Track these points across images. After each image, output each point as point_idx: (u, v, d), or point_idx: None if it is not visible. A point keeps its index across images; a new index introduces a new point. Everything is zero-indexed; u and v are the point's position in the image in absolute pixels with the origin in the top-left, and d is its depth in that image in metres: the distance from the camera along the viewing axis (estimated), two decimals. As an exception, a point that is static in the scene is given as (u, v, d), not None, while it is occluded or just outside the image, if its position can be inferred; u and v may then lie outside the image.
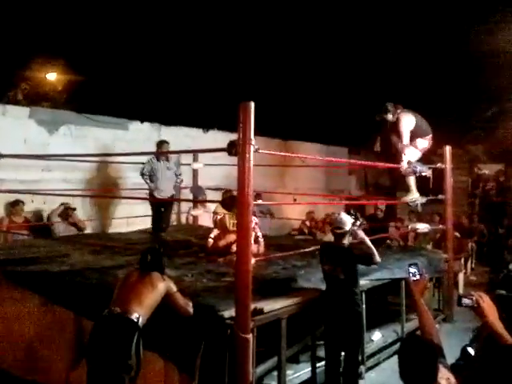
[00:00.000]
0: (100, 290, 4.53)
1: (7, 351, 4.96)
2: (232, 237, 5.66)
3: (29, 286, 4.93)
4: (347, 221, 4.71)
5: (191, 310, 3.92)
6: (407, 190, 7.00)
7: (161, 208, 8.00)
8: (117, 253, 6.19)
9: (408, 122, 6.72)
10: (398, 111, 6.78)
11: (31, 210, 7.88)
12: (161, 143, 7.91)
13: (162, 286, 3.82)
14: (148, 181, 7.82)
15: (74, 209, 7.92)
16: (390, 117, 6.77)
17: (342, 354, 4.76)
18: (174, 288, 3.91)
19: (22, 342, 4.86)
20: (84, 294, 4.59)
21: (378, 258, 4.70)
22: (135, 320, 3.62)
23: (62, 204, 7.76)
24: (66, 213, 7.84)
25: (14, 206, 7.45)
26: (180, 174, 8.22)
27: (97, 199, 8.68)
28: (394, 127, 6.80)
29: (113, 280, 4.54)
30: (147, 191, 7.94)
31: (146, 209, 8.20)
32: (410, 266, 3.19)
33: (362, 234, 4.80)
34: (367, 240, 4.77)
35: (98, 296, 4.40)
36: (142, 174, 7.84)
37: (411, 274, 3.14)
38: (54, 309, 4.68)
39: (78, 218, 8.00)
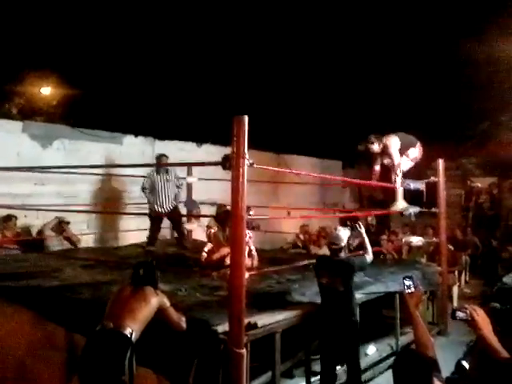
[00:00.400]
0: (92, 306, 4.49)
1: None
2: (226, 251, 5.65)
3: (20, 301, 4.88)
4: (343, 236, 4.82)
5: (184, 325, 3.89)
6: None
7: (159, 223, 7.99)
8: (110, 267, 6.15)
9: (395, 143, 7.07)
10: (383, 139, 7.11)
11: (24, 225, 7.83)
12: (160, 157, 7.92)
13: (155, 300, 3.79)
14: (149, 195, 7.83)
15: (68, 222, 7.88)
16: (375, 147, 7.12)
17: (338, 367, 4.75)
18: (167, 303, 3.88)
19: (12, 357, 4.80)
20: (75, 310, 4.55)
21: (371, 256, 4.94)
22: (128, 335, 3.58)
23: (56, 217, 7.72)
24: (61, 227, 7.79)
25: (6, 222, 7.39)
26: (181, 185, 8.24)
27: (91, 213, 8.65)
28: (383, 152, 7.14)
29: (105, 295, 4.52)
30: (148, 205, 7.95)
31: (139, 223, 8.17)
32: (404, 278, 3.19)
33: (362, 229, 5.14)
34: (366, 237, 5.09)
35: (90, 311, 4.36)
36: (143, 189, 7.87)
37: (406, 287, 3.14)
38: (46, 324, 4.63)
39: (71, 233, 7.95)
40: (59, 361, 4.46)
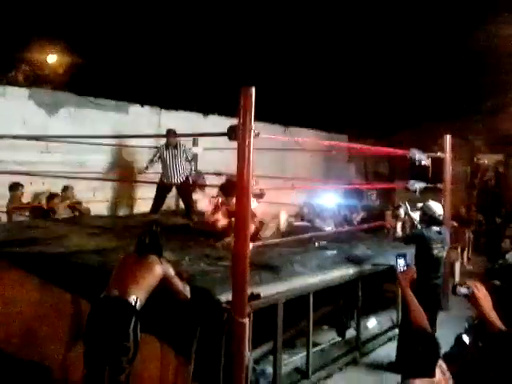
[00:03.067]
0: (98, 272, 4.55)
1: (5, 332, 4.98)
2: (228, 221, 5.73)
3: (27, 267, 4.94)
4: None
5: (188, 294, 3.94)
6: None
7: (164, 193, 8.06)
8: (116, 235, 6.22)
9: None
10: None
11: (30, 192, 7.87)
12: (168, 132, 7.89)
13: (160, 268, 3.83)
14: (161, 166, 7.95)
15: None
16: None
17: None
18: (171, 272, 3.92)
19: (19, 323, 4.89)
20: (81, 276, 4.61)
21: None
22: (132, 302, 3.64)
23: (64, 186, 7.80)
24: (67, 195, 7.85)
25: (13, 190, 7.44)
26: (192, 159, 8.24)
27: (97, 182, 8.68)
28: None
29: (111, 261, 4.58)
30: (159, 175, 8.03)
31: (147, 192, 8.23)
32: (397, 256, 3.20)
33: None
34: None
35: (96, 277, 4.43)
36: (150, 161, 7.96)
37: (399, 265, 3.15)
38: (52, 290, 4.70)
39: (77, 201, 8.01)
40: (65, 326, 4.54)
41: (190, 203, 8.25)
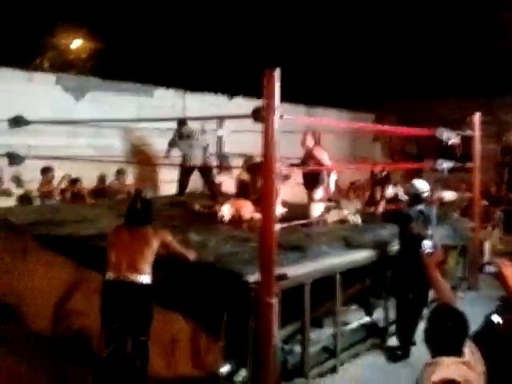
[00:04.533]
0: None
1: (38, 312, 5.12)
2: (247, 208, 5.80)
3: (57, 248, 5.06)
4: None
5: (193, 255, 4.12)
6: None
7: (187, 175, 8.12)
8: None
9: None
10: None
11: (58, 177, 8.01)
12: (180, 123, 7.87)
13: (157, 238, 3.91)
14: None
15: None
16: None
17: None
18: (168, 237, 4.01)
19: (52, 302, 5.02)
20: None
21: None
22: (142, 282, 3.76)
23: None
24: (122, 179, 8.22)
25: (45, 173, 7.59)
26: (208, 145, 8.23)
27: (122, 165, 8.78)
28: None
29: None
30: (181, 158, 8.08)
31: (171, 175, 8.28)
32: (424, 238, 3.16)
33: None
34: None
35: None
36: (169, 145, 8.04)
37: (425, 247, 3.12)
38: (82, 270, 4.80)
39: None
40: (96, 302, 4.64)
41: (211, 185, 8.27)
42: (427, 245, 3.12)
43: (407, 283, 5.05)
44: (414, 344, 5.04)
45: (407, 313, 5.12)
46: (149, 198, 4.24)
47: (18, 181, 7.72)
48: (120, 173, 8.45)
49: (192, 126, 8.28)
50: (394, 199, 7.74)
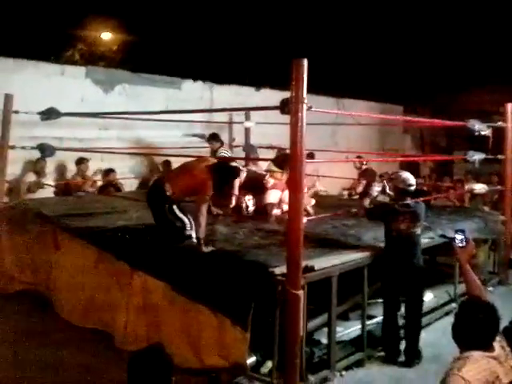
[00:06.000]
0: (155, 245, 4.72)
1: (68, 301, 5.24)
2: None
3: (88, 239, 5.16)
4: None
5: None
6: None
7: None
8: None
9: None
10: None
11: (90, 168, 8.12)
12: (210, 137, 7.52)
13: None
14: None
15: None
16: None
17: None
18: None
19: (82, 292, 5.12)
20: (138, 248, 4.78)
21: None
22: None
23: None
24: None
25: (79, 164, 7.72)
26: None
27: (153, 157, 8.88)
28: None
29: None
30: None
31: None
32: (456, 232, 3.12)
33: None
34: None
35: (153, 250, 4.59)
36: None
37: (458, 241, 3.07)
38: (112, 261, 4.88)
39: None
40: (124, 295, 4.72)
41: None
42: (459, 238, 3.06)
43: (395, 286, 4.76)
44: (420, 356, 4.72)
45: (394, 318, 4.79)
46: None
47: (57, 172, 7.85)
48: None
49: (221, 118, 8.22)
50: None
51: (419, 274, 4.75)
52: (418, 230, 4.76)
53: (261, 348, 4.06)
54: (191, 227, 4.68)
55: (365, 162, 7.96)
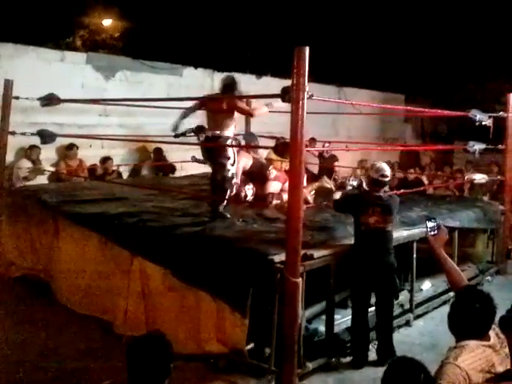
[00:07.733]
0: (155, 231, 4.73)
1: (68, 288, 5.26)
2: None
3: (88, 225, 5.17)
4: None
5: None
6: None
7: None
8: (171, 196, 6.39)
9: None
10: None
11: (91, 155, 8.12)
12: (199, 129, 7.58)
13: None
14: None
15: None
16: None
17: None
18: None
19: (82, 279, 5.15)
20: (140, 234, 4.80)
21: None
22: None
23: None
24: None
25: (68, 150, 7.72)
26: None
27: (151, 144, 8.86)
28: None
29: (167, 221, 4.77)
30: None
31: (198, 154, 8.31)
32: (427, 220, 3.13)
33: None
34: None
35: (153, 235, 4.61)
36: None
37: (429, 229, 3.08)
38: (112, 248, 4.90)
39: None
40: (125, 282, 4.75)
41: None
42: (430, 225, 3.06)
43: (364, 284, 4.42)
44: (394, 355, 4.23)
45: (363, 319, 4.44)
46: None
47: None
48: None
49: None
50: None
51: (389, 271, 4.42)
52: (389, 227, 4.41)
53: (259, 335, 4.09)
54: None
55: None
